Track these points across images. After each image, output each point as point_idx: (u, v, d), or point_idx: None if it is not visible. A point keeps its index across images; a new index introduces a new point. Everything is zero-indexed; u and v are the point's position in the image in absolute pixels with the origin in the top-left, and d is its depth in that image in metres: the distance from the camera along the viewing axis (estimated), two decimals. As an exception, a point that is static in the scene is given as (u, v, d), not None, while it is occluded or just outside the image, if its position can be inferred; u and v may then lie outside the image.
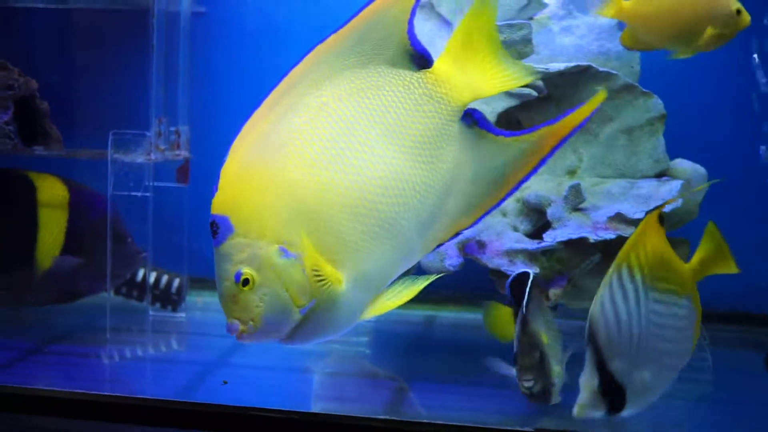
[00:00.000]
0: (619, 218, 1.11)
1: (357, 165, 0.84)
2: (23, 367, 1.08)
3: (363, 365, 1.15)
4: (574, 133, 0.93)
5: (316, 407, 0.99)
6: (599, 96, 0.93)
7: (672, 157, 1.22)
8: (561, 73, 1.18)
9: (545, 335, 0.96)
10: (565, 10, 1.28)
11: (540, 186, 1.20)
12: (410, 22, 0.90)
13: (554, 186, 1.20)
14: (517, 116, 1.25)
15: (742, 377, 1.16)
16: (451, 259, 1.10)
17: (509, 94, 1.19)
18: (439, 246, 0.93)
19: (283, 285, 0.81)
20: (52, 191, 1.20)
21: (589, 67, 1.18)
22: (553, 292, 1.14)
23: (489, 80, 0.93)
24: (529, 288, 0.97)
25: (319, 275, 0.81)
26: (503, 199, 0.93)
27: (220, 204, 0.81)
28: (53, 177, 1.23)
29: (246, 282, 0.80)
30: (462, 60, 0.93)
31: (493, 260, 1.13)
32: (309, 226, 0.82)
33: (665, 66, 1.33)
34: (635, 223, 1.10)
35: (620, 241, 1.10)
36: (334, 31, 0.87)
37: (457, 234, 0.93)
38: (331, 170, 0.83)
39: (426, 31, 1.29)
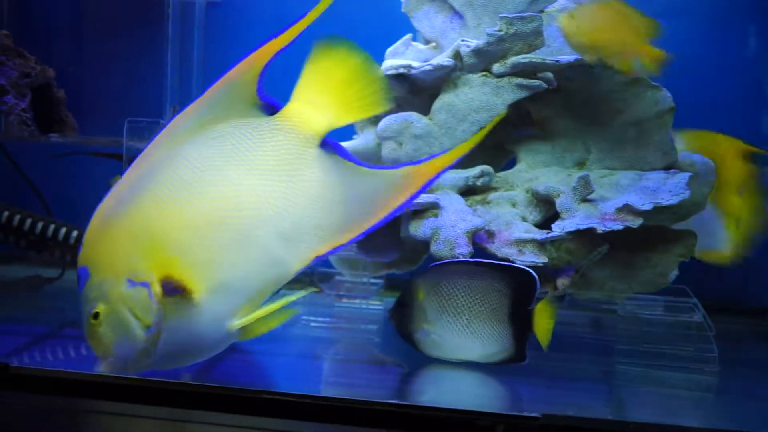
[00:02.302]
0: (627, 209, 1.11)
1: (204, 191, 0.93)
2: (39, 350, 1.10)
3: (372, 352, 1.16)
4: (442, 174, 1.01)
5: (327, 392, 1.00)
6: (469, 142, 1.02)
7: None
8: (571, 65, 1.19)
9: (423, 293, 1.06)
10: (574, 3, 1.29)
11: (549, 177, 1.21)
12: (259, 83, 0.99)
13: (564, 177, 1.21)
14: (527, 107, 1.26)
15: (748, 369, 1.17)
16: (461, 248, 1.11)
17: (519, 85, 1.20)
18: (319, 258, 0.98)
19: (129, 310, 0.89)
20: None
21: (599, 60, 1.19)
22: (561, 281, 1.15)
23: (342, 111, 1.02)
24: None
25: (167, 293, 0.90)
26: (383, 221, 0.99)
27: (81, 258, 0.91)
28: None
29: (96, 316, 0.89)
30: (310, 98, 1.01)
31: (501, 249, 1.14)
32: (156, 253, 0.90)
33: (675, 60, 1.34)
34: (643, 214, 1.11)
35: (627, 232, 1.12)
36: (191, 102, 0.97)
37: (340, 246, 0.99)
38: (177, 201, 0.92)
39: (438, 23, 1.31)
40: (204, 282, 0.91)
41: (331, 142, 1.01)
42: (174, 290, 0.90)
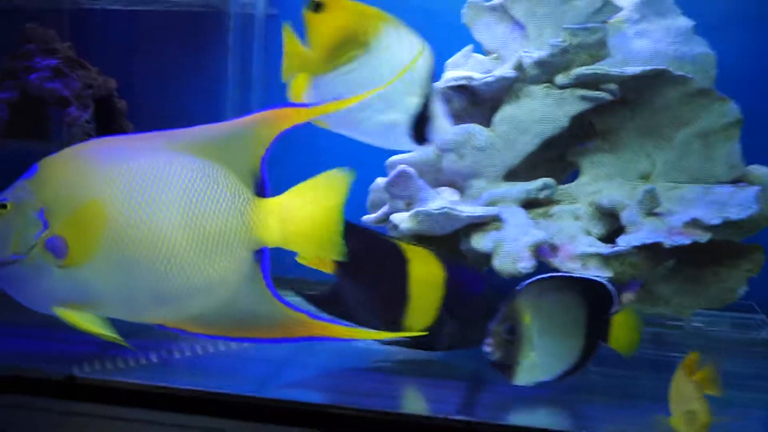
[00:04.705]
0: (695, 224, 1.09)
1: (141, 201, 0.95)
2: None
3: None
4: (320, 341, 0.99)
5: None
6: (372, 335, 1.04)
7: (748, 164, 1.20)
8: (635, 77, 1.17)
9: (528, 316, 0.98)
10: (639, 13, 1.27)
11: (613, 190, 1.19)
12: (268, 151, 0.99)
13: (628, 190, 1.19)
14: (591, 119, 1.24)
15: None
16: (524, 262, 1.10)
17: (582, 97, 1.19)
18: (161, 327, 1.00)
19: (18, 229, 0.96)
20: (426, 267, 1.11)
21: (664, 71, 1.17)
22: (626, 296, 1.13)
23: (306, 243, 1.00)
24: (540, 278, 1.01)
25: (47, 245, 0.95)
26: (245, 340, 1.00)
27: (42, 161, 0.99)
28: (427, 252, 1.12)
29: (3, 207, 0.97)
30: (292, 210, 0.99)
31: (565, 264, 1.12)
32: (72, 215, 0.96)
33: (742, 71, 1.32)
34: (712, 229, 1.09)
35: (695, 246, 1.10)
36: (220, 122, 1.00)
37: (184, 331, 1.00)
38: (119, 199, 0.95)
39: (498, 33, 1.30)
40: (74, 265, 0.95)
41: (264, 257, 1.00)
42: (55, 249, 0.95)
